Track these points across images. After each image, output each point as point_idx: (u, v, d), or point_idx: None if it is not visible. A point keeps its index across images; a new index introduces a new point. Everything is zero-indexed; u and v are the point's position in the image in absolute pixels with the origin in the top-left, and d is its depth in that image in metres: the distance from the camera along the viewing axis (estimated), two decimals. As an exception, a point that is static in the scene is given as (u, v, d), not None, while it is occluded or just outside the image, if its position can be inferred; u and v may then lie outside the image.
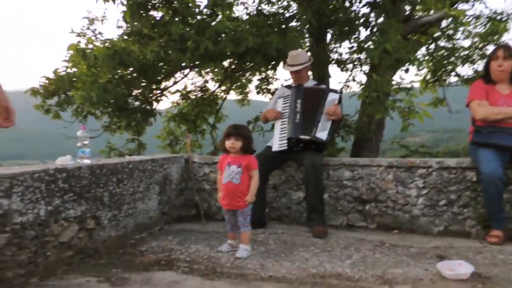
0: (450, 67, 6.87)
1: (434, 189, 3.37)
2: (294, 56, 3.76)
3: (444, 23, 6.79)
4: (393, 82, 5.40)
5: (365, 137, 6.23)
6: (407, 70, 5.03)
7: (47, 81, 5.75)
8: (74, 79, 5.55)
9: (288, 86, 3.95)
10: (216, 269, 2.45)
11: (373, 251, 2.81)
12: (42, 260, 2.28)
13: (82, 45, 5.42)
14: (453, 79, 7.00)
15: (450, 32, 6.60)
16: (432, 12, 6.52)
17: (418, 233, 3.35)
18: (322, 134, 3.49)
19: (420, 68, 6.88)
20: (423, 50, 7.11)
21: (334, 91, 3.71)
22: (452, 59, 6.44)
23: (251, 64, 5.20)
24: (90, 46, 5.36)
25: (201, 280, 2.29)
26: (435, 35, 7.02)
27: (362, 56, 5.06)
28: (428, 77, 7.13)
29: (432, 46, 6.85)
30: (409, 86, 4.84)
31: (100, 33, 6.08)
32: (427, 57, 7.01)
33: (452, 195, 3.33)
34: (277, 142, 3.63)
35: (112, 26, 5.88)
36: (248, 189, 2.71)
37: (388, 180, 3.50)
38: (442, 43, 7.07)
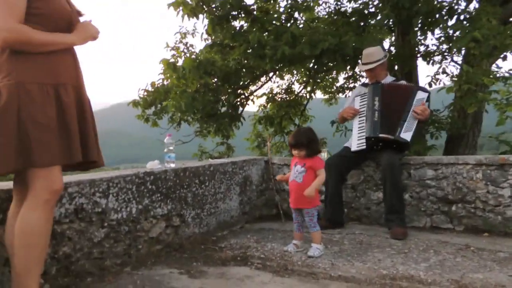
0: None
1: (531, 189, 3.05)
2: (368, 54, 3.68)
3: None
4: (491, 72, 4.92)
5: (461, 132, 5.78)
6: (504, 58, 4.55)
7: (145, 93, 6.43)
8: (168, 90, 6.11)
9: (365, 84, 3.88)
10: (287, 266, 2.55)
11: (454, 254, 2.66)
12: (135, 252, 2.61)
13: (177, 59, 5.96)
14: None
15: None
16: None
17: (513, 237, 3.06)
18: (407, 134, 3.37)
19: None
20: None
21: (423, 89, 3.55)
22: None
23: (330, 65, 5.18)
24: (181, 59, 5.86)
25: (272, 276, 2.41)
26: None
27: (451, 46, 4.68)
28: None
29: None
30: (507, 75, 4.36)
31: (191, 46, 6.63)
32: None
33: (554, 195, 2.98)
34: (356, 141, 3.60)
35: (203, 39, 6.36)
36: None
37: (477, 179, 3.26)
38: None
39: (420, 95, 3.43)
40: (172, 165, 3.08)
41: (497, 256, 2.58)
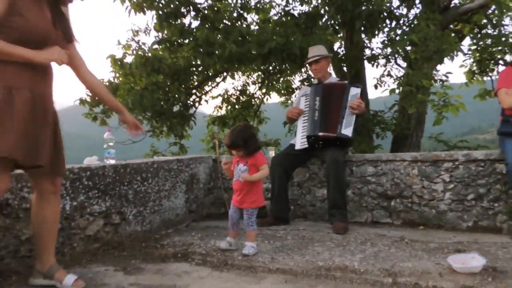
0: (499, 56, 6.44)
1: (461, 183, 3.23)
2: (313, 49, 3.81)
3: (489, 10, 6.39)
4: (431, 75, 5.19)
5: (405, 133, 6.04)
6: (441, 62, 4.81)
7: (93, 91, 6.19)
8: (117, 88, 5.95)
9: (310, 84, 3.97)
10: (227, 262, 2.54)
11: (389, 246, 2.76)
12: (69, 250, 2.51)
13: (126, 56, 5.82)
14: (501, 68, 6.55)
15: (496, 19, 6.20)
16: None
17: (446, 229, 3.23)
18: (347, 130, 3.47)
19: (465, 59, 6.55)
20: (467, 40, 6.74)
21: (355, 85, 3.68)
22: (499, 47, 6.04)
23: (283, 66, 5.26)
24: (130, 56, 5.73)
25: (211, 271, 2.40)
26: (482, 22, 6.64)
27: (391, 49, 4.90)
28: (474, 68, 6.74)
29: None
30: (443, 78, 4.63)
31: (144, 44, 6.50)
32: (473, 47, 6.65)
33: (481, 189, 3.17)
34: (299, 140, 3.67)
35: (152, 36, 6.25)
36: (255, 187, 2.69)
37: (413, 175, 3.41)
38: (489, 31, 6.65)
39: (354, 91, 3.56)
40: (112, 161, 3.00)
41: (428, 247, 2.71)
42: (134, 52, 5.98)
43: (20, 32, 1.71)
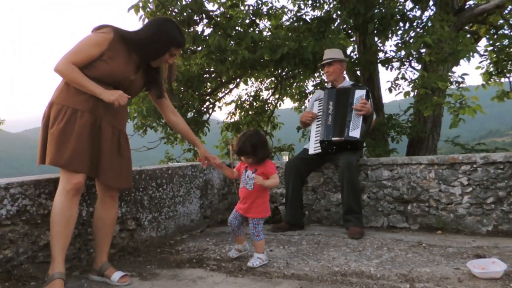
0: (516, 56, 6.33)
1: (480, 186, 3.17)
2: (328, 51, 3.80)
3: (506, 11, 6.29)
4: (446, 77, 5.11)
5: (421, 136, 5.96)
6: (457, 63, 4.74)
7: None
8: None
9: (323, 88, 3.95)
10: (242, 267, 2.53)
11: (406, 251, 2.71)
12: (85, 256, 2.53)
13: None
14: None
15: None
16: (490, -1, 6.08)
17: (465, 234, 3.16)
18: (354, 132, 3.44)
19: (481, 60, 6.46)
20: (484, 41, 6.65)
21: (360, 87, 3.65)
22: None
23: (296, 71, 5.25)
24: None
25: (225, 277, 2.39)
26: (498, 22, 6.54)
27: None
28: (491, 69, 6.62)
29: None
30: (459, 80, 4.56)
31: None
32: (490, 48, 6.55)
33: (501, 192, 3.10)
34: (312, 145, 3.65)
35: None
36: (263, 197, 2.59)
37: (430, 179, 3.35)
38: (505, 31, 6.55)
39: (358, 93, 3.53)
40: (127, 168, 3.02)
41: (446, 252, 2.66)
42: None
43: (100, 73, 2.16)
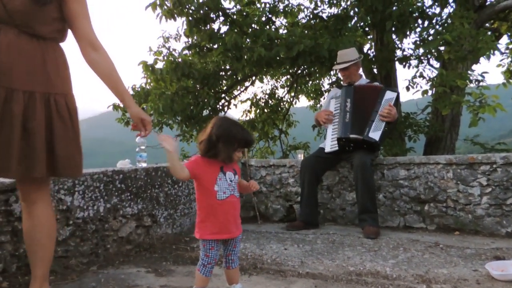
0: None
1: (500, 187, 3.10)
2: (342, 54, 3.74)
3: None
4: (466, 75, 5.01)
5: (438, 135, 5.86)
6: (476, 61, 4.64)
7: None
8: (149, 93, 6.10)
9: (339, 86, 3.92)
10: (256, 265, 2.54)
11: (423, 252, 2.68)
12: (102, 251, 2.57)
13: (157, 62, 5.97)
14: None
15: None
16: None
17: (483, 235, 3.10)
18: (375, 134, 3.40)
19: (502, 58, 6.31)
20: (505, 38, 6.49)
21: (392, 90, 3.58)
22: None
23: (311, 69, 5.22)
24: (161, 62, 5.86)
25: (240, 275, 2.39)
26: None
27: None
28: (513, 67, 6.46)
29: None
30: (479, 78, 4.46)
31: (174, 50, 6.63)
32: (511, 46, 6.39)
33: (522, 193, 3.03)
34: (329, 142, 3.63)
35: (182, 42, 6.38)
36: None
37: (448, 179, 3.30)
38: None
39: (389, 95, 3.46)
40: (144, 165, 3.06)
41: (464, 253, 2.61)
42: (165, 58, 6.11)
43: None
